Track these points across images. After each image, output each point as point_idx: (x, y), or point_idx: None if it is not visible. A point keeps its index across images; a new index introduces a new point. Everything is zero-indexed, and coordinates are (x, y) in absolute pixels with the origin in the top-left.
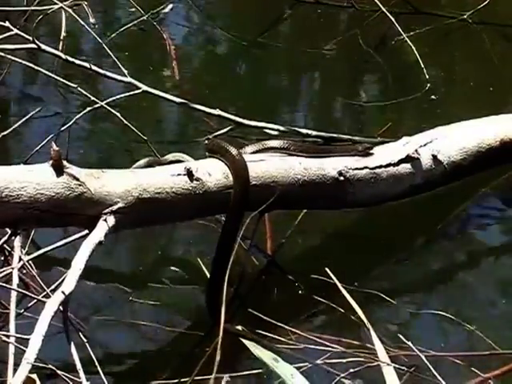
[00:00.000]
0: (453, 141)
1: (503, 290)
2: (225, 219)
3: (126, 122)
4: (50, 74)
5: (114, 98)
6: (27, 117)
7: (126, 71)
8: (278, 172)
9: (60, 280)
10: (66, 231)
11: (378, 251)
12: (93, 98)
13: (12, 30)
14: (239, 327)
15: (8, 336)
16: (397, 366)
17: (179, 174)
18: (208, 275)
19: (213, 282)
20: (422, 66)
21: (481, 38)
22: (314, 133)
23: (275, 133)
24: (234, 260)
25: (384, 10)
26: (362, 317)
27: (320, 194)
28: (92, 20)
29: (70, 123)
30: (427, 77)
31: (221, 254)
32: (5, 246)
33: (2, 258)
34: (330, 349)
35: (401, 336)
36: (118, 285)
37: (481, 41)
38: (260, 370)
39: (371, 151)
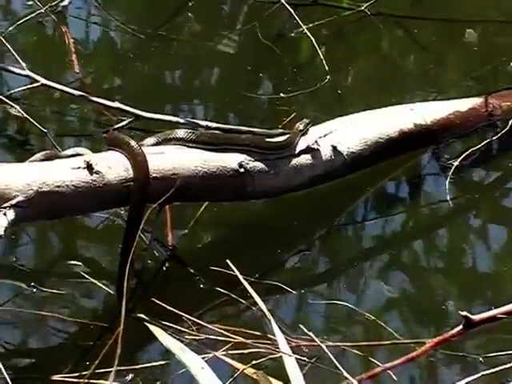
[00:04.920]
0: (353, 132)
1: (405, 279)
2: (128, 212)
3: (25, 114)
4: None
5: (12, 91)
6: None
7: (24, 64)
8: (179, 164)
9: None
10: None
11: (280, 242)
12: None
13: None
14: (142, 315)
15: None
16: (298, 356)
17: (79, 168)
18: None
19: (120, 273)
20: (322, 57)
21: (378, 29)
22: (214, 125)
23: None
24: (137, 253)
25: (283, 1)
26: (263, 308)
27: (221, 186)
28: None
29: None
30: (327, 68)
31: (125, 247)
32: None
33: None
34: (231, 339)
35: (302, 327)
36: (20, 278)
37: (378, 32)
38: (163, 362)
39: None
